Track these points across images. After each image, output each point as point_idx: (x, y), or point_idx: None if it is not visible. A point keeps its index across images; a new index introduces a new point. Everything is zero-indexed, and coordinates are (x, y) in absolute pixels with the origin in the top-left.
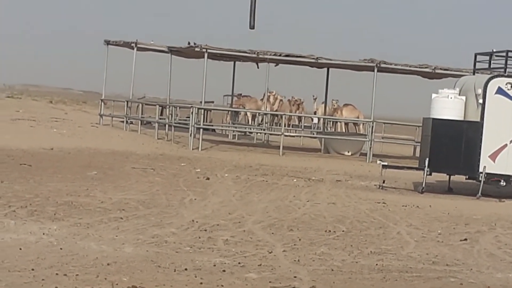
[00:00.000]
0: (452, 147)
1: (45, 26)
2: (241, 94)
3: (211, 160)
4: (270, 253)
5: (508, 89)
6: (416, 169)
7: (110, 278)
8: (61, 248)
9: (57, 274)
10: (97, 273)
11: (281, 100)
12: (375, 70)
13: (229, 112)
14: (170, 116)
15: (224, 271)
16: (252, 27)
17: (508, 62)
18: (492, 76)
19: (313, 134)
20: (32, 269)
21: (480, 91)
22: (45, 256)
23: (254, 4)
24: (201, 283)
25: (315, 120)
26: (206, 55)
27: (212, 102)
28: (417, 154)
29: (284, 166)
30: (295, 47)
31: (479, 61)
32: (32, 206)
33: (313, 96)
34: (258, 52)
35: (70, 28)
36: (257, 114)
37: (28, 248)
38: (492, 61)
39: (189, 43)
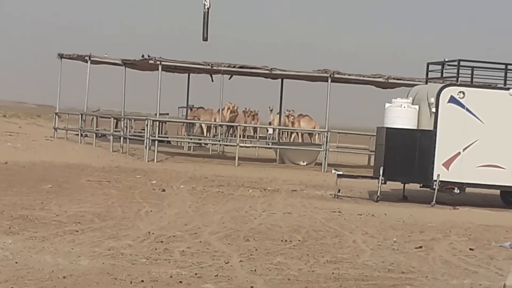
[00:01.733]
0: (406, 156)
1: None
2: (193, 106)
3: (167, 172)
4: (226, 263)
5: (461, 98)
6: (371, 178)
7: None
8: (16, 262)
9: None
10: (53, 286)
11: (232, 111)
12: (329, 80)
13: (184, 124)
14: (125, 128)
15: (181, 282)
16: (205, 39)
17: (460, 71)
18: (445, 85)
19: (268, 144)
20: None
21: (433, 100)
22: (0, 270)
23: (207, 16)
24: None
25: (270, 131)
26: (160, 67)
27: (167, 114)
28: (372, 163)
29: (240, 177)
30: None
31: (431, 71)
32: None
33: (269, 107)
34: (212, 64)
35: (23, 41)
36: (212, 125)
37: None
38: (444, 70)
39: (143, 56)
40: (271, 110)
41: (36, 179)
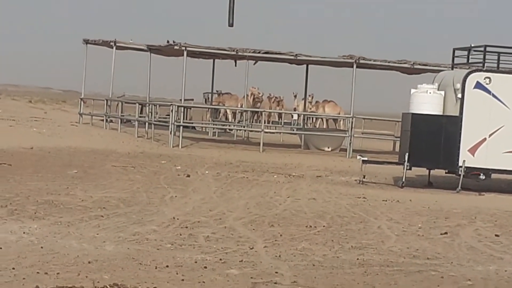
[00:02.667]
0: (431, 142)
1: (24, 25)
2: (221, 92)
3: (192, 158)
4: (251, 249)
5: (487, 84)
6: (396, 163)
7: (91, 276)
8: (41, 247)
9: (38, 273)
10: (78, 271)
11: (256, 97)
12: (354, 66)
13: (209, 109)
14: (150, 114)
15: (205, 267)
16: (231, 24)
17: (486, 56)
18: (471, 70)
19: (293, 130)
20: (13, 268)
21: (458, 85)
22: (25, 255)
23: (232, 2)
24: (182, 280)
25: (295, 117)
26: (185, 53)
27: (192, 100)
28: (397, 149)
29: (265, 163)
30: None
31: (457, 56)
32: (12, 206)
33: (293, 93)
34: (237, 50)
35: (49, 27)
36: (237, 111)
37: (9, 247)
38: (470, 56)
39: (168, 42)
40: (295, 96)
41: (62, 164)
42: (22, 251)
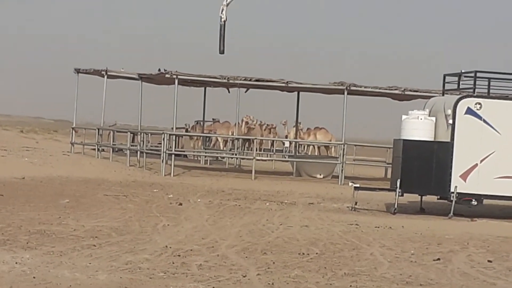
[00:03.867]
0: (423, 168)
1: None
2: (218, 120)
3: (184, 186)
4: (244, 277)
5: (477, 109)
6: (388, 190)
7: None
8: (34, 277)
9: None
10: None
11: (246, 123)
12: (345, 93)
13: (200, 137)
14: (142, 142)
15: None
16: (222, 52)
17: (477, 82)
18: (461, 96)
19: (285, 157)
20: None
21: (449, 111)
22: (18, 285)
23: (223, 29)
24: None
25: (287, 144)
26: (176, 81)
27: (184, 128)
28: (389, 176)
29: (257, 190)
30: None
31: (448, 82)
32: (4, 236)
33: (282, 122)
34: (228, 77)
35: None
36: (228, 139)
37: (1, 277)
38: (461, 82)
39: (159, 70)
40: (284, 124)
41: (54, 194)
42: (15, 281)
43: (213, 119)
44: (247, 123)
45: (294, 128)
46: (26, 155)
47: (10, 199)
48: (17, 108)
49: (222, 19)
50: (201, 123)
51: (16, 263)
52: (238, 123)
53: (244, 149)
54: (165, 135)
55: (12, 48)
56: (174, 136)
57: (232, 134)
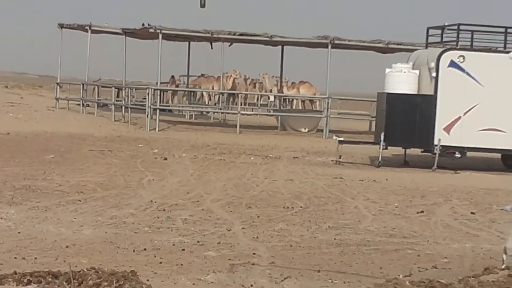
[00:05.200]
0: (407, 121)
1: None
2: (203, 75)
3: (169, 141)
4: (229, 231)
5: (461, 62)
6: (372, 143)
7: (69, 261)
8: (19, 232)
9: (15, 258)
10: (56, 255)
11: (235, 78)
12: (329, 46)
13: (185, 92)
14: (127, 98)
15: (183, 250)
16: (202, 5)
17: (460, 35)
18: (445, 49)
19: (270, 112)
20: None
21: (433, 64)
22: (3, 240)
23: None
24: (160, 263)
25: (271, 98)
26: (160, 36)
27: (168, 82)
28: (373, 129)
29: (242, 145)
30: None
31: (431, 35)
32: None
33: (260, 74)
34: (212, 32)
35: (23, 11)
36: (213, 93)
37: None
38: (444, 35)
39: (143, 25)
40: (264, 77)
41: (38, 149)
42: (0, 236)
43: (201, 74)
44: (235, 79)
45: (276, 82)
46: (10, 111)
47: None
48: (1, 64)
49: None
50: (175, 78)
51: (1, 218)
52: (224, 77)
53: (229, 104)
54: (150, 90)
55: None
56: (158, 91)
57: (213, 88)
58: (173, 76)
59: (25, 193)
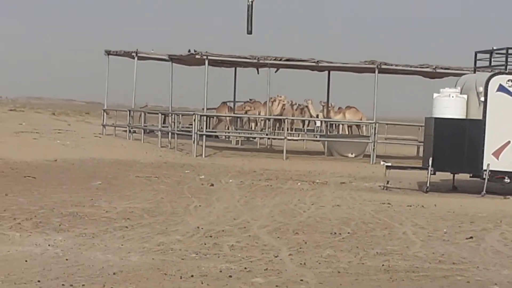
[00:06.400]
0: (455, 146)
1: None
2: (251, 100)
3: (215, 167)
4: (276, 257)
5: (509, 86)
6: (420, 168)
7: (117, 287)
8: (66, 259)
9: (63, 285)
10: (103, 282)
11: (283, 104)
12: (376, 71)
13: (231, 118)
14: (173, 123)
15: (230, 276)
16: (249, 32)
17: (509, 59)
18: (493, 73)
19: (316, 137)
20: (38, 281)
21: (481, 89)
22: (51, 267)
23: (251, 9)
24: None
25: (318, 123)
26: (206, 62)
27: (214, 109)
28: (421, 154)
29: (288, 170)
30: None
31: (479, 59)
32: (37, 218)
33: (305, 100)
34: (258, 58)
35: (70, 39)
36: (260, 119)
37: (34, 260)
38: (492, 59)
39: (189, 51)
40: (308, 103)
41: (86, 176)
42: (47, 263)
43: (249, 99)
44: (284, 105)
45: (322, 107)
46: (58, 138)
47: (42, 181)
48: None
49: (250, 0)
50: (227, 104)
51: (49, 245)
52: (270, 102)
53: (275, 129)
54: (196, 116)
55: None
56: (205, 117)
57: (259, 114)
58: (224, 102)
59: (72, 219)
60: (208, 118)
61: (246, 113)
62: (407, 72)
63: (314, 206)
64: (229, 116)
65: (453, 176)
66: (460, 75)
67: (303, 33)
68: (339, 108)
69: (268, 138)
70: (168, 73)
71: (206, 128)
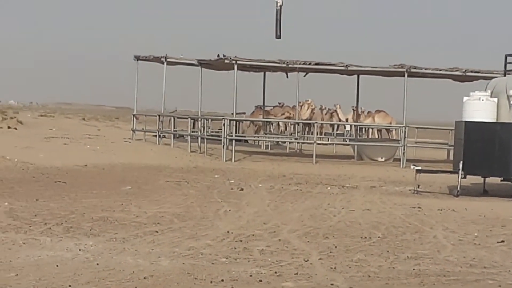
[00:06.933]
0: (485, 149)
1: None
2: (280, 103)
3: (245, 171)
4: (306, 261)
5: None
6: (451, 172)
7: None
8: (97, 264)
9: None
10: (134, 287)
11: (313, 108)
12: (406, 75)
13: (261, 122)
14: (202, 128)
15: (260, 281)
16: (278, 36)
17: None
18: None
19: (346, 141)
20: (69, 286)
21: (511, 92)
22: (81, 272)
23: (279, 14)
24: None
25: (347, 128)
26: (235, 66)
27: (244, 113)
28: (451, 158)
29: (318, 174)
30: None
31: (509, 62)
32: (68, 223)
33: (335, 105)
34: (287, 62)
35: (100, 45)
36: (289, 123)
37: (65, 264)
38: None
39: (218, 56)
40: (336, 108)
41: (116, 180)
42: (78, 268)
43: (278, 103)
44: (313, 109)
45: (352, 112)
46: (88, 143)
47: (73, 186)
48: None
49: (278, 4)
50: (259, 108)
51: (80, 250)
52: (301, 107)
53: (304, 134)
54: (226, 120)
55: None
56: (234, 122)
57: (288, 118)
58: (257, 106)
59: (103, 224)
60: (237, 122)
61: (288, 118)
62: (437, 75)
63: (344, 210)
64: (258, 120)
65: (484, 180)
66: (490, 78)
67: (332, 36)
68: (369, 112)
69: (298, 143)
70: (198, 78)
71: (236, 132)
